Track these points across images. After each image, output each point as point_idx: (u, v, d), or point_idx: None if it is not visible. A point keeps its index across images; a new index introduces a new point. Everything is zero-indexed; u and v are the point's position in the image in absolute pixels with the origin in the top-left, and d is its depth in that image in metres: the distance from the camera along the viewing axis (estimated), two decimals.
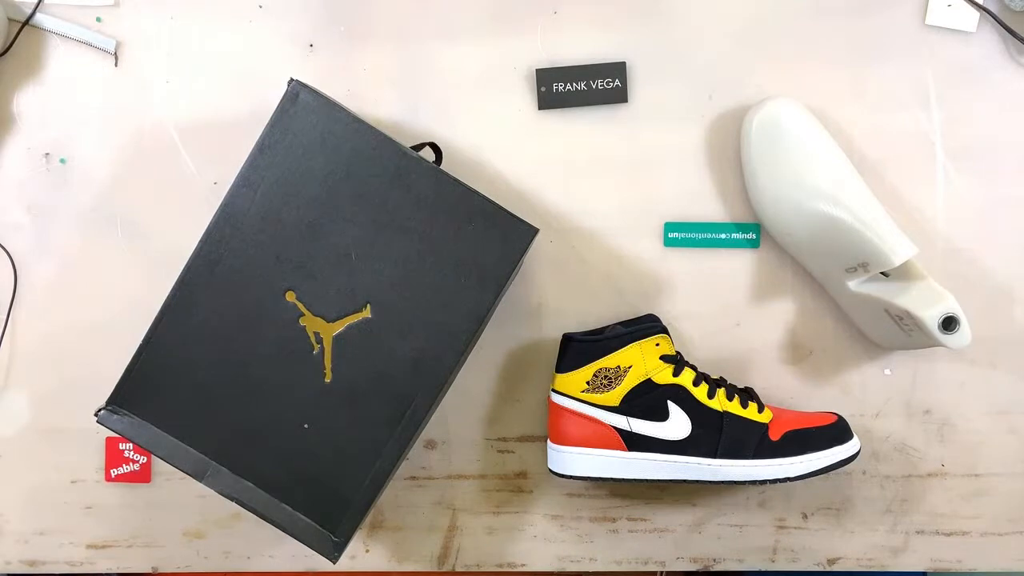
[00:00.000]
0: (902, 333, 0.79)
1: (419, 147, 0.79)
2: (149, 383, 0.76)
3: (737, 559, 0.91)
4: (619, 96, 0.83)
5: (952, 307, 0.74)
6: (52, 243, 0.87)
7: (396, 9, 0.83)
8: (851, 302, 0.82)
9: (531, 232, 0.73)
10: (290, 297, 0.74)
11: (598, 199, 0.85)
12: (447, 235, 0.73)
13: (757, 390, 0.84)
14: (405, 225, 0.73)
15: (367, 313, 0.74)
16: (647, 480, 0.81)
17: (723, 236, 0.85)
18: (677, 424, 0.79)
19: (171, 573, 0.93)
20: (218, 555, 0.92)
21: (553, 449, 0.82)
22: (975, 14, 0.81)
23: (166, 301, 0.75)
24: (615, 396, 0.80)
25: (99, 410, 0.76)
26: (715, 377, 0.84)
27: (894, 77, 0.83)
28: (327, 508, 0.76)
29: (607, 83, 0.83)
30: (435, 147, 0.82)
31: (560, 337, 0.82)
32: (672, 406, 0.79)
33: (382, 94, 0.84)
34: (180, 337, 0.75)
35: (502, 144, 0.84)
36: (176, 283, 0.74)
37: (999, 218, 0.84)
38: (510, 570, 0.92)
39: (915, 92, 0.83)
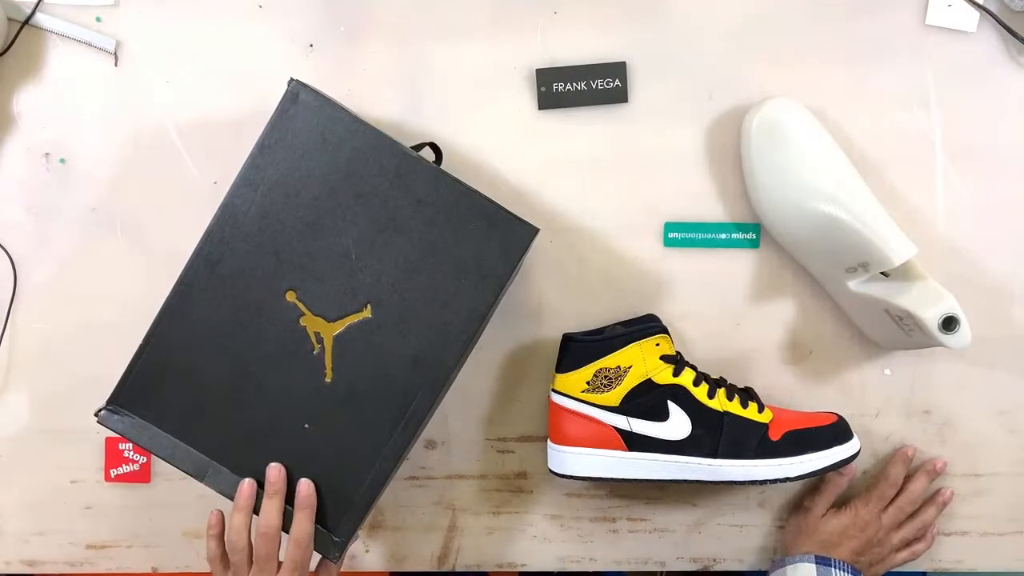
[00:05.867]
0: (902, 333, 0.79)
1: (419, 147, 0.79)
2: (149, 383, 0.76)
3: (737, 559, 0.91)
4: (619, 96, 0.83)
5: (952, 307, 0.74)
6: (52, 243, 0.87)
7: (396, 9, 0.83)
8: (851, 302, 0.82)
9: (531, 232, 0.73)
10: (290, 297, 0.74)
11: (598, 199, 0.85)
12: (447, 235, 0.73)
13: (757, 390, 0.84)
14: (405, 225, 0.73)
15: (367, 313, 0.74)
16: (647, 480, 0.81)
17: (723, 236, 0.85)
18: (677, 424, 0.80)
19: (171, 573, 0.93)
20: None
21: (553, 449, 0.82)
22: (975, 14, 0.81)
23: (166, 301, 0.75)
24: (615, 396, 0.80)
25: (99, 410, 0.76)
26: (715, 377, 0.84)
27: (894, 77, 0.83)
28: (327, 508, 0.76)
29: (607, 83, 0.83)
30: (435, 147, 0.82)
31: (560, 337, 0.82)
32: (672, 406, 0.79)
33: (382, 94, 0.84)
34: (180, 337, 0.75)
35: (502, 144, 0.84)
36: (176, 283, 0.74)
37: (999, 218, 0.84)
38: (510, 570, 0.92)
39: (915, 92, 0.83)
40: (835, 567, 0.82)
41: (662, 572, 0.95)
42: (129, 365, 0.76)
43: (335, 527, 0.77)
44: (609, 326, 0.85)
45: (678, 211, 0.85)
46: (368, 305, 0.74)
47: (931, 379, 0.87)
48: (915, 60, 0.82)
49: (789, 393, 0.87)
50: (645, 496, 0.90)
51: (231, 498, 0.76)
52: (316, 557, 0.86)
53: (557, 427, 0.82)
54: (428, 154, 0.81)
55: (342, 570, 0.83)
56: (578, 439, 0.81)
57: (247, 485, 0.76)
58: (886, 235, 0.76)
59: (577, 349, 0.80)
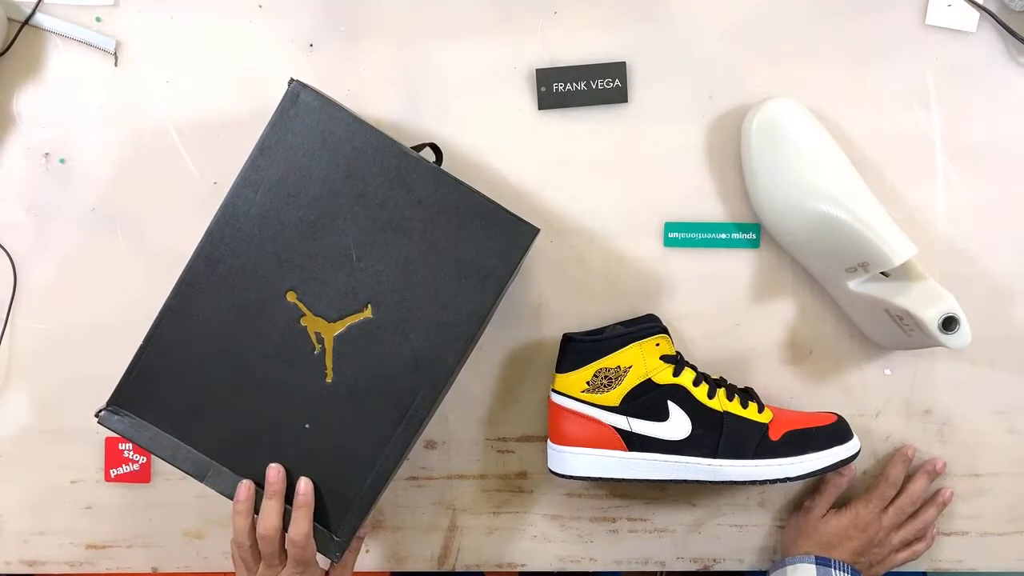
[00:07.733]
0: (902, 333, 0.79)
1: (419, 147, 0.79)
2: (149, 383, 0.76)
3: (737, 559, 0.91)
4: (619, 96, 0.83)
5: (952, 307, 0.74)
6: (52, 243, 0.87)
7: (396, 9, 0.83)
8: (851, 302, 0.82)
9: (531, 232, 0.73)
10: (291, 297, 0.74)
11: (598, 199, 0.85)
12: (447, 235, 0.73)
13: (757, 390, 0.84)
14: (405, 225, 0.73)
15: (368, 313, 0.74)
16: (647, 480, 0.81)
17: (723, 236, 0.85)
18: (677, 424, 0.80)
19: (171, 573, 0.93)
20: (218, 555, 0.92)
21: (553, 449, 0.82)
22: (975, 14, 0.81)
23: (166, 301, 0.75)
24: (615, 396, 0.80)
25: (100, 411, 0.76)
26: (715, 377, 0.84)
27: (894, 77, 0.83)
28: (328, 508, 0.76)
29: (607, 83, 0.83)
30: (435, 148, 0.82)
31: (560, 337, 0.82)
32: (672, 406, 0.80)
33: (382, 94, 0.84)
34: (180, 337, 0.75)
35: (502, 144, 0.84)
36: (176, 283, 0.74)
37: (999, 218, 0.84)
38: (510, 570, 0.92)
39: (915, 92, 0.83)
40: (835, 567, 0.82)
41: (662, 572, 0.95)
42: (129, 365, 0.76)
43: (336, 527, 0.77)
44: (609, 326, 0.85)
45: (678, 211, 0.85)
46: (369, 305, 0.74)
47: (931, 379, 0.87)
48: (915, 60, 0.82)
49: (789, 393, 0.87)
50: (645, 496, 0.90)
51: (231, 498, 0.76)
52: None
53: (557, 427, 0.82)
54: (428, 154, 0.81)
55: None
56: (578, 439, 0.81)
57: (244, 487, 0.76)
58: (886, 235, 0.76)
59: (577, 349, 0.80)
